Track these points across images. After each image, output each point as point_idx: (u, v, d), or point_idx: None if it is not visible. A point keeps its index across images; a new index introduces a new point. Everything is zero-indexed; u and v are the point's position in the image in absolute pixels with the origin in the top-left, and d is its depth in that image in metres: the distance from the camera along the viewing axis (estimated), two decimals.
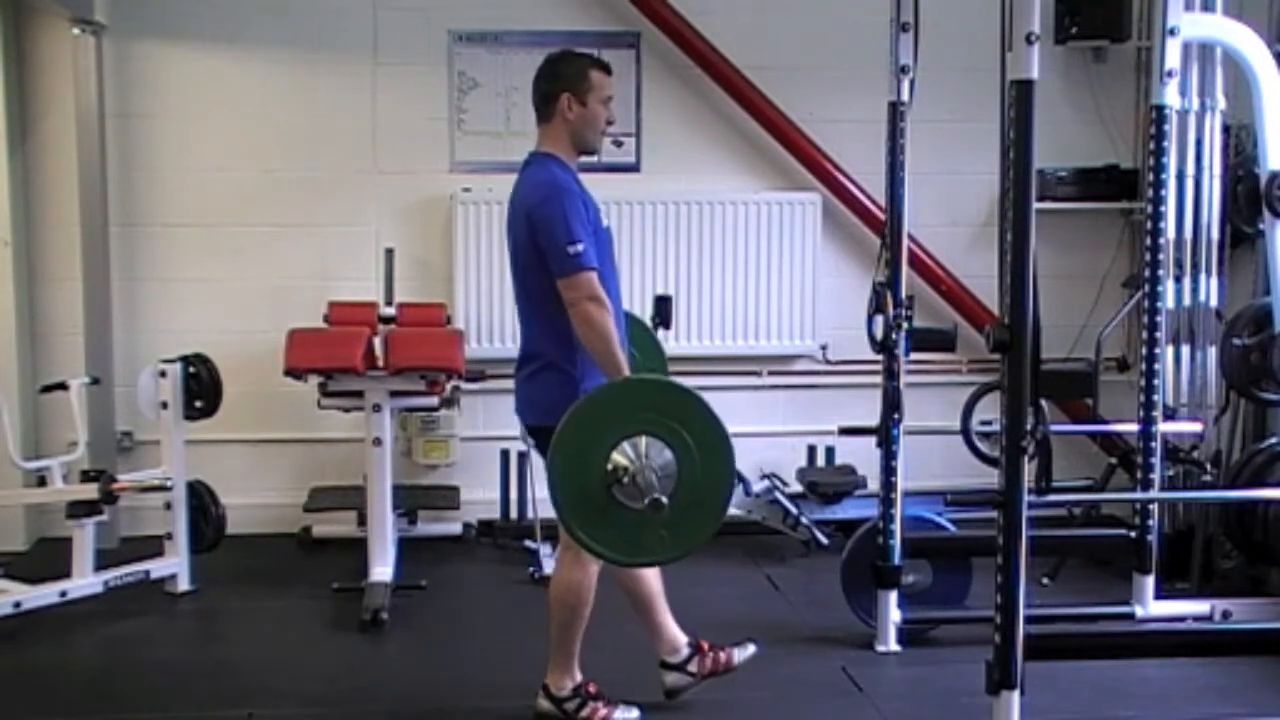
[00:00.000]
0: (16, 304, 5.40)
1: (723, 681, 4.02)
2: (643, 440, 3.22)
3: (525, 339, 3.66)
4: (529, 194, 3.55)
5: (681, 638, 3.82)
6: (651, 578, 3.74)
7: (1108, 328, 5.48)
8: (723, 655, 3.82)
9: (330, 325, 5.18)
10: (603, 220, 3.63)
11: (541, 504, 4.87)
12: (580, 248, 3.42)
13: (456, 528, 5.63)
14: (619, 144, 5.77)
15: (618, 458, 3.21)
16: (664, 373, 4.49)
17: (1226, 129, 5.16)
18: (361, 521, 5.11)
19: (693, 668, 3.80)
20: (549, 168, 3.58)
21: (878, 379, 4.28)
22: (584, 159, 5.75)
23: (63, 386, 4.92)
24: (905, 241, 4.22)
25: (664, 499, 3.16)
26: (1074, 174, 5.85)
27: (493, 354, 5.47)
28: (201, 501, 4.94)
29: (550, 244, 3.44)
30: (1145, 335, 4.23)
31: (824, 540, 5.40)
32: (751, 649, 3.88)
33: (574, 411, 3.27)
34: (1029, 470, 2.89)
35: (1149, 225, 4.21)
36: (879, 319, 4.17)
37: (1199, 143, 5.09)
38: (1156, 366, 4.23)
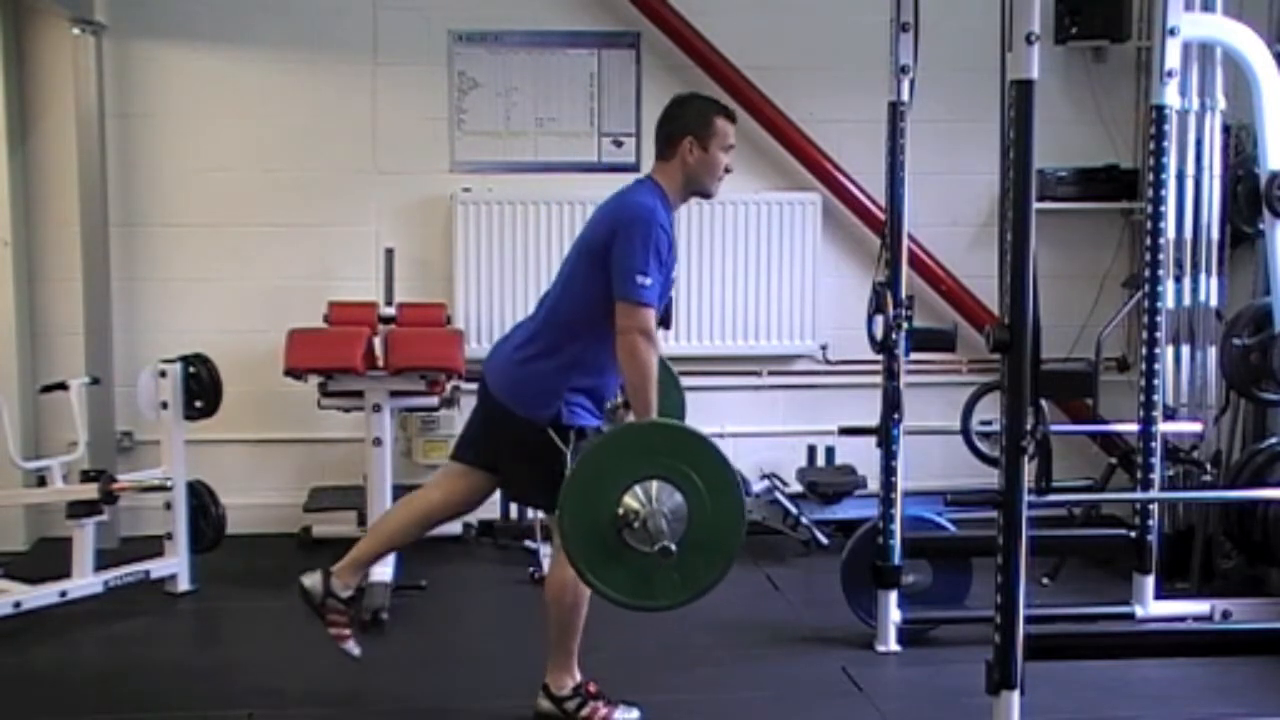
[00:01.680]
0: (16, 304, 5.40)
1: (722, 682, 4.03)
2: (654, 484, 3.23)
3: (540, 325, 3.61)
4: (627, 209, 3.54)
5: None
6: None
7: (1108, 328, 5.48)
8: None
9: (330, 325, 5.17)
10: (675, 271, 3.64)
11: None
12: (649, 282, 3.43)
13: (456, 528, 5.60)
14: (619, 144, 5.78)
15: (629, 501, 3.22)
16: (680, 400, 4.52)
17: (1226, 129, 5.16)
18: (361, 521, 5.11)
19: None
20: (655, 197, 3.57)
21: (878, 379, 4.28)
22: (585, 160, 5.79)
23: (63, 386, 4.91)
24: (905, 241, 4.22)
25: (672, 546, 3.16)
26: (1074, 174, 5.85)
27: None
28: (201, 501, 4.94)
29: (623, 265, 3.44)
30: (1145, 335, 4.23)
31: (824, 540, 5.40)
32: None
33: (586, 455, 3.30)
34: (1029, 470, 2.89)
35: (1149, 225, 4.21)
36: (879, 319, 4.17)
37: (1199, 143, 5.09)
38: (1156, 366, 4.23)
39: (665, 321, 4.80)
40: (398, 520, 3.82)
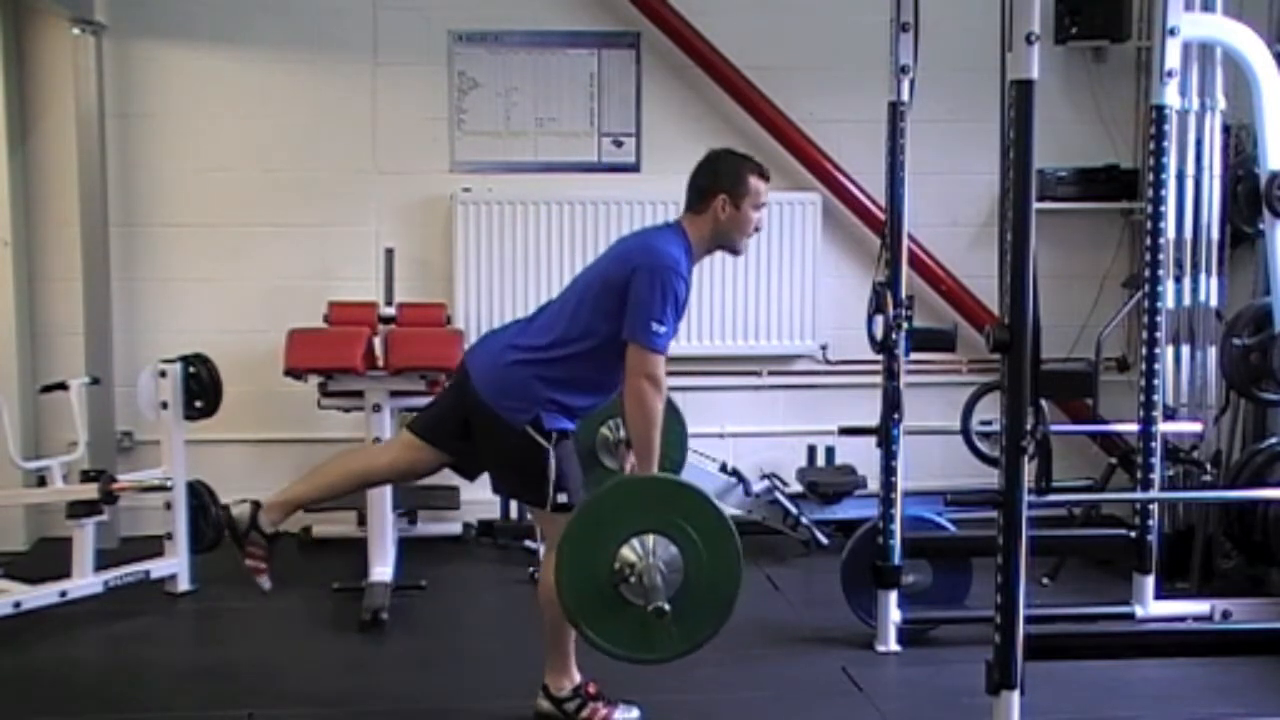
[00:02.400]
0: (16, 304, 5.40)
1: (722, 682, 4.03)
2: (650, 538, 3.26)
3: (538, 336, 3.59)
4: (654, 255, 3.54)
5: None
6: None
7: (1108, 328, 5.48)
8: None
9: (330, 325, 5.18)
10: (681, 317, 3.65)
11: None
12: (663, 330, 3.46)
13: (456, 528, 5.63)
14: (619, 144, 5.78)
15: (626, 553, 3.24)
16: (681, 432, 4.62)
17: (1226, 129, 5.16)
18: (361, 521, 5.11)
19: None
20: (680, 247, 3.59)
21: (878, 379, 4.28)
22: (585, 160, 5.79)
23: (63, 386, 4.91)
24: (905, 241, 4.22)
25: (666, 606, 3.19)
26: (1074, 174, 5.85)
27: None
28: (201, 501, 4.94)
29: (640, 309, 3.46)
30: (1145, 335, 4.23)
31: (824, 540, 5.40)
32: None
33: (582, 509, 3.33)
34: (1029, 470, 2.89)
35: (1149, 225, 4.21)
36: (879, 319, 4.17)
37: (1199, 143, 5.09)
38: (1156, 366, 4.23)
39: None
40: (338, 473, 3.82)
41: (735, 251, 3.75)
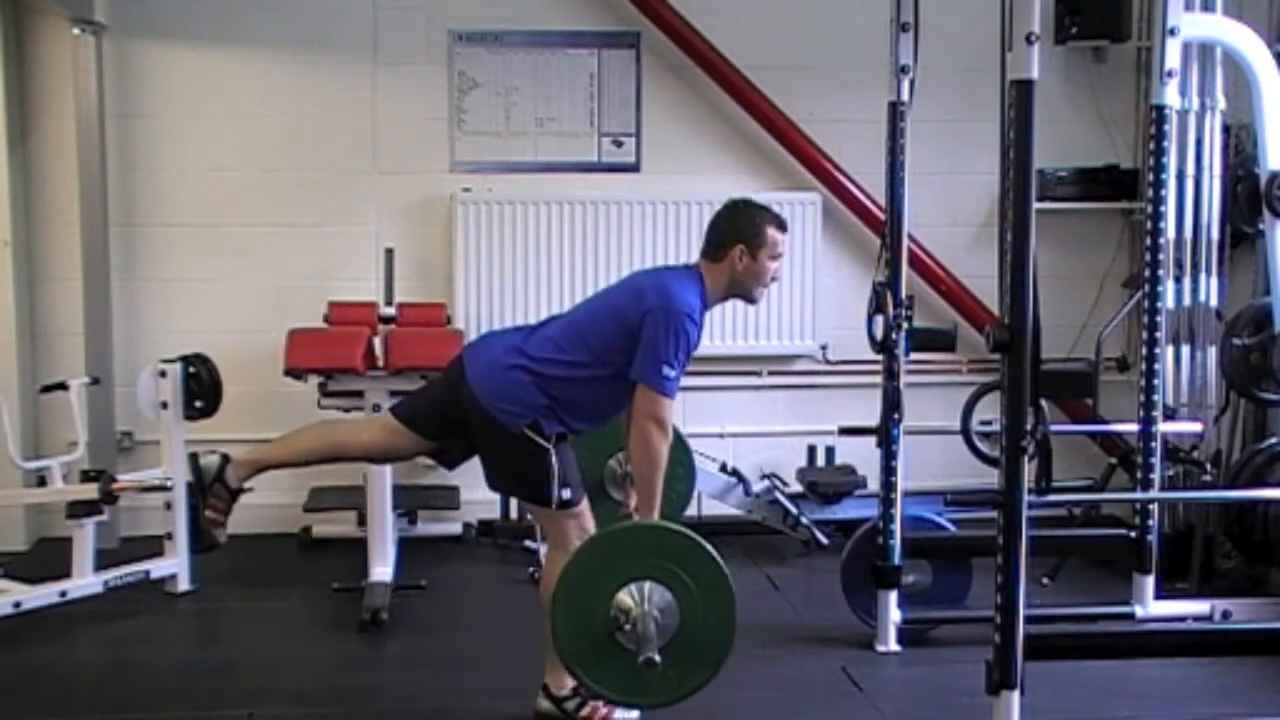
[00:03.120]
0: (16, 304, 5.40)
1: (722, 682, 4.02)
2: (646, 584, 3.29)
3: (547, 344, 3.59)
4: (666, 295, 3.54)
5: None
6: None
7: (1108, 328, 5.49)
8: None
9: (330, 325, 5.17)
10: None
11: None
12: (673, 374, 3.48)
13: (456, 528, 5.63)
14: (619, 144, 5.78)
15: (623, 598, 3.28)
16: (690, 466, 4.69)
17: (1226, 129, 5.16)
18: (361, 521, 5.11)
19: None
20: (696, 292, 3.59)
21: (878, 379, 4.28)
22: (585, 160, 5.79)
23: (63, 386, 4.91)
24: (905, 241, 4.22)
25: (656, 657, 3.20)
26: (1074, 174, 5.85)
27: None
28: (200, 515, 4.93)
29: (651, 351, 3.47)
30: (1145, 335, 4.23)
31: (824, 540, 5.40)
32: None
33: (580, 554, 3.35)
34: (1029, 470, 2.89)
35: (1149, 225, 4.21)
36: (879, 319, 4.17)
37: (1199, 143, 5.10)
38: (1156, 366, 4.23)
39: None
40: (312, 442, 3.83)
41: (751, 300, 3.77)
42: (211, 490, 3.69)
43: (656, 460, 3.50)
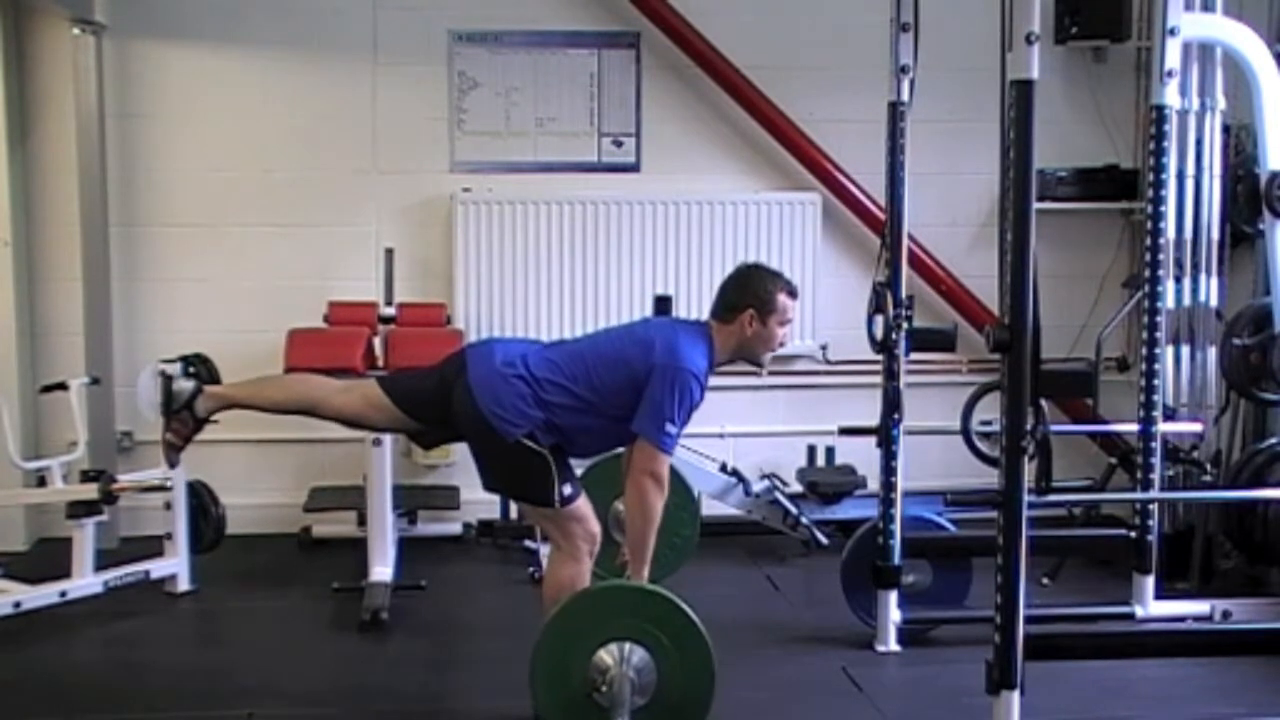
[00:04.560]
0: (16, 304, 5.40)
1: (722, 682, 4.01)
2: (628, 645, 3.32)
3: (554, 369, 3.57)
4: (675, 354, 3.54)
5: None
6: None
7: (1108, 328, 5.48)
8: None
9: (330, 325, 5.18)
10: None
11: None
12: (674, 431, 3.50)
13: (456, 528, 5.63)
14: (619, 144, 5.78)
15: (603, 657, 3.32)
16: (695, 512, 4.73)
17: (1226, 129, 5.16)
18: (361, 521, 5.11)
19: None
20: (703, 352, 3.60)
21: (878, 379, 4.28)
22: (585, 160, 5.79)
23: (63, 386, 4.91)
24: (905, 241, 4.22)
25: None
26: (1074, 174, 5.85)
27: None
28: (201, 501, 4.95)
29: (654, 408, 3.48)
30: (1145, 335, 4.23)
31: (824, 540, 5.39)
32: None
33: (560, 613, 3.37)
34: (1029, 470, 2.89)
35: (1149, 225, 4.20)
36: (879, 319, 4.17)
37: (1199, 143, 5.10)
38: (1156, 366, 4.23)
39: None
40: (286, 393, 3.83)
41: (758, 364, 3.79)
42: (178, 415, 3.73)
43: (650, 516, 3.52)
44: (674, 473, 4.46)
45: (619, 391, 3.53)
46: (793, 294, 3.74)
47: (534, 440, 3.50)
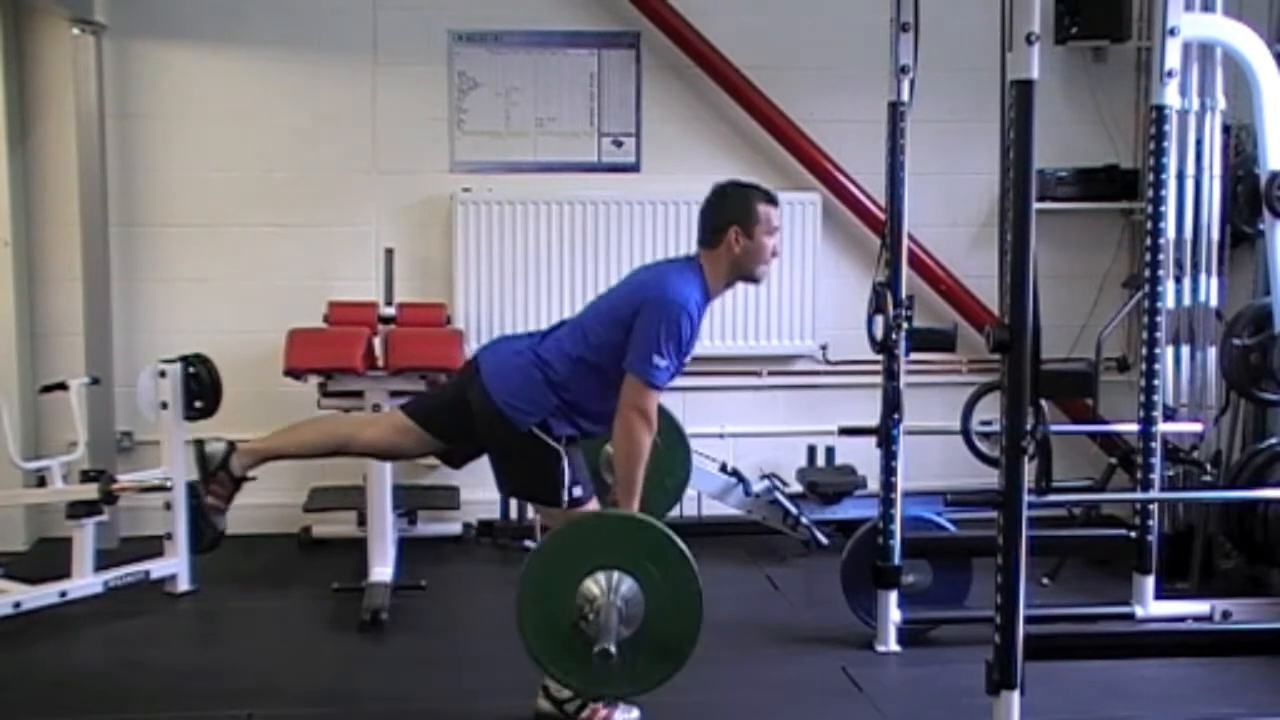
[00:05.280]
0: (16, 304, 5.39)
1: (722, 682, 4.02)
2: (615, 574, 3.29)
3: (556, 344, 3.61)
4: (665, 290, 3.54)
5: None
6: None
7: (1108, 328, 5.48)
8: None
9: (330, 325, 5.18)
10: (689, 356, 3.62)
11: None
12: (663, 364, 3.46)
13: (456, 528, 5.63)
14: (619, 144, 5.78)
15: (589, 586, 3.28)
16: (686, 455, 4.67)
17: (1226, 129, 5.16)
18: (361, 521, 5.11)
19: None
20: (694, 284, 3.58)
21: (878, 379, 4.28)
22: (585, 160, 5.79)
23: (63, 386, 4.91)
24: (905, 241, 4.22)
25: (612, 649, 3.20)
26: (1074, 174, 5.85)
27: None
28: (201, 501, 4.93)
29: (642, 342, 3.46)
30: (1145, 335, 4.24)
31: (824, 540, 5.39)
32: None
33: (546, 543, 3.36)
34: (1029, 470, 2.89)
35: (1149, 225, 4.21)
36: (879, 319, 4.17)
37: (1199, 143, 5.09)
38: (1156, 366, 4.23)
39: None
40: (317, 435, 3.86)
41: (755, 280, 3.74)
42: (215, 477, 3.73)
43: (638, 452, 3.48)
44: (666, 415, 4.48)
45: (618, 346, 3.50)
46: (773, 201, 3.69)
47: (547, 431, 3.50)
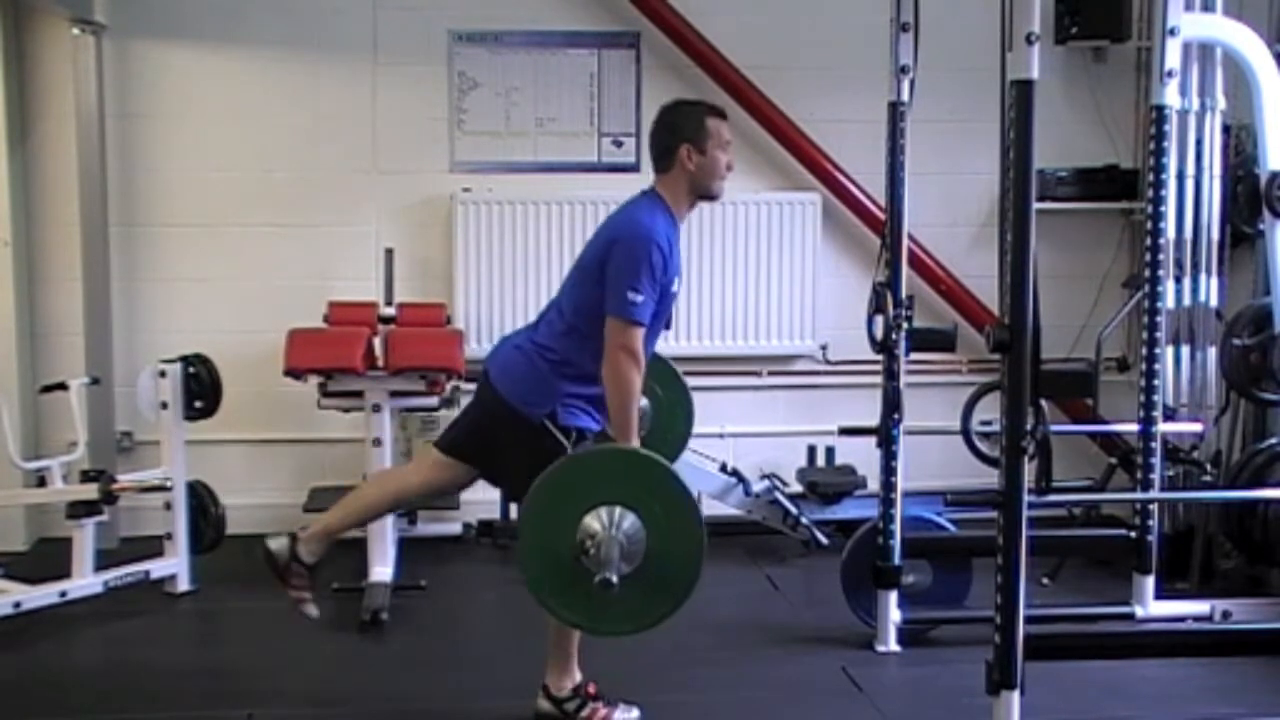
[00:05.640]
0: (16, 304, 5.39)
1: (722, 682, 4.03)
2: (618, 510, 3.25)
3: (549, 330, 3.61)
4: (625, 225, 3.53)
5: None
6: None
7: (1108, 328, 5.48)
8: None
9: (330, 325, 5.18)
10: (675, 285, 3.58)
11: None
12: (640, 299, 3.41)
13: (456, 528, 5.63)
14: (619, 144, 5.78)
15: (590, 522, 3.23)
16: (689, 408, 4.62)
17: (1226, 129, 5.16)
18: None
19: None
20: (655, 213, 3.55)
21: (878, 379, 4.28)
22: (585, 160, 5.77)
23: (63, 386, 4.91)
24: (905, 241, 4.22)
25: (614, 578, 3.16)
26: (1074, 174, 5.85)
27: None
28: (201, 501, 4.95)
29: (615, 282, 3.43)
30: (1145, 335, 4.24)
31: (824, 540, 5.39)
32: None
33: (548, 476, 3.29)
34: (1029, 470, 2.89)
35: (1149, 225, 4.21)
36: (879, 319, 4.17)
37: (1199, 143, 5.09)
38: (1156, 366, 4.23)
39: (666, 322, 4.83)
40: (372, 497, 3.86)
41: (713, 196, 3.68)
42: (289, 571, 3.71)
43: (628, 389, 3.43)
44: (669, 368, 4.47)
45: (599, 302, 3.46)
46: (721, 115, 3.65)
47: (555, 422, 3.49)
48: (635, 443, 3.47)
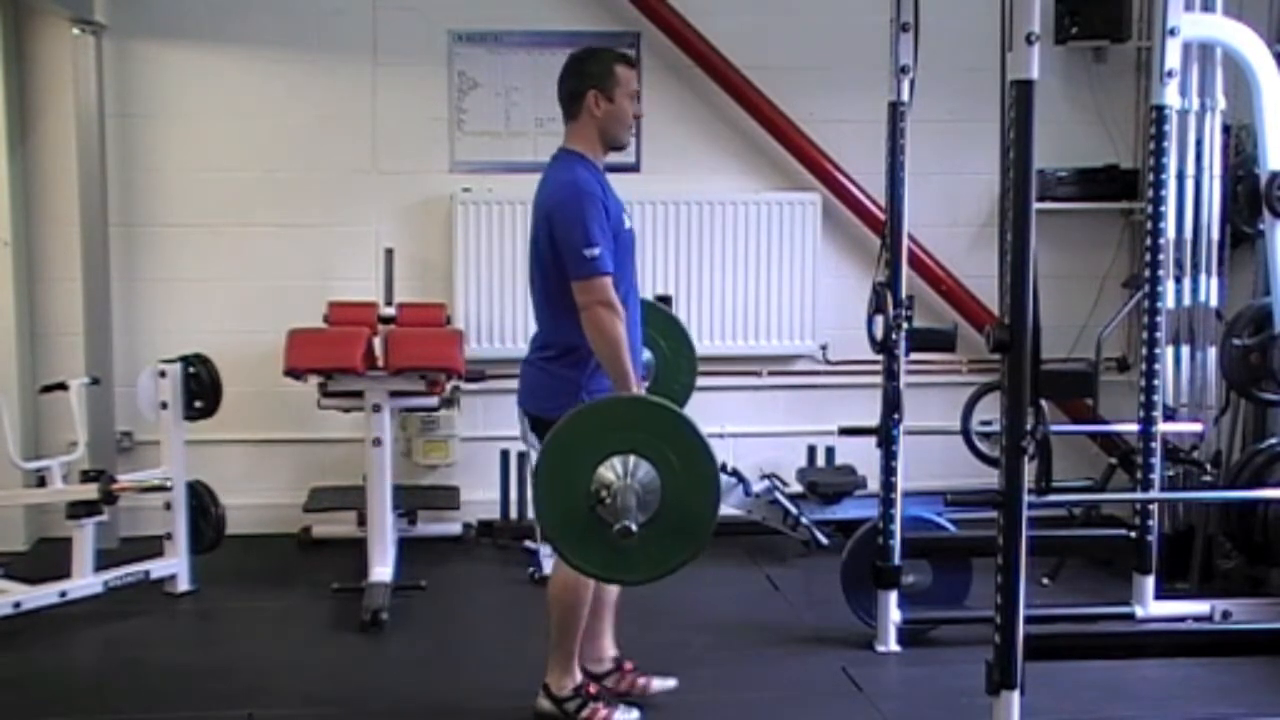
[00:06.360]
0: (16, 304, 5.40)
1: (722, 682, 4.03)
2: (631, 458, 3.21)
3: (540, 329, 3.64)
4: (552, 193, 3.53)
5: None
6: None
7: (1108, 328, 5.48)
8: (641, 680, 3.73)
9: (330, 325, 5.18)
10: (625, 223, 3.59)
11: None
12: (596, 251, 3.40)
13: (456, 528, 5.63)
14: None
15: (604, 473, 3.19)
16: (692, 357, 4.56)
17: (1226, 129, 5.16)
18: (361, 521, 5.11)
19: (609, 683, 3.72)
20: (573, 168, 3.55)
21: (878, 379, 4.28)
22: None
23: (63, 386, 4.91)
24: (905, 241, 4.22)
25: (633, 525, 3.13)
26: (1074, 174, 5.85)
27: (493, 354, 5.49)
28: (201, 501, 4.95)
29: (567, 246, 3.43)
30: (1145, 335, 4.23)
31: (824, 540, 5.39)
32: (672, 682, 3.75)
33: (560, 428, 3.25)
34: (1029, 470, 2.89)
35: (1149, 225, 4.21)
36: (879, 319, 4.17)
37: (1199, 143, 5.09)
38: (1156, 366, 4.23)
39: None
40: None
41: (621, 145, 3.67)
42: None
43: (613, 339, 3.40)
44: (672, 319, 4.50)
45: (566, 277, 3.45)
46: (630, 64, 3.65)
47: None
48: (637, 390, 3.45)
